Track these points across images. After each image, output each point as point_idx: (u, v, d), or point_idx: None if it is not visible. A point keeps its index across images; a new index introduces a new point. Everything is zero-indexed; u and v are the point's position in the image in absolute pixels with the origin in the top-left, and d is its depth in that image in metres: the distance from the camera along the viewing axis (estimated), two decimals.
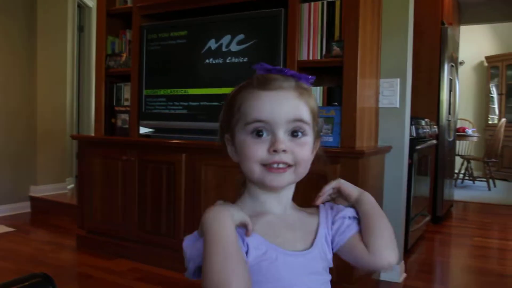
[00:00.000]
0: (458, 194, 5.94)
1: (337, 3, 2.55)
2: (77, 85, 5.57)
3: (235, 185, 1.01)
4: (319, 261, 0.92)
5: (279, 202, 0.94)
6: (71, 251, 3.34)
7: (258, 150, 0.87)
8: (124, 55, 3.30)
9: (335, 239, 0.95)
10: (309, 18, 2.60)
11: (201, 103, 2.91)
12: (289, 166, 0.88)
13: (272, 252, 0.86)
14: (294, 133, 0.88)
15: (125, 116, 3.30)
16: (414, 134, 3.26)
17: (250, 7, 2.77)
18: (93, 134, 3.56)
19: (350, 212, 0.97)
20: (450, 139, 4.85)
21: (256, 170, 0.88)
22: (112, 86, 3.41)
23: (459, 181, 7.19)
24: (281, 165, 0.87)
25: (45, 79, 4.74)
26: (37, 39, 4.65)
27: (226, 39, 2.81)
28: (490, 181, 6.84)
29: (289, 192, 0.96)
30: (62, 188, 4.98)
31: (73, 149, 5.10)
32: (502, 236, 4.32)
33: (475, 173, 7.44)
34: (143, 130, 3.18)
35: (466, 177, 7.30)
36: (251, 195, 0.94)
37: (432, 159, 4.28)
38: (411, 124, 3.11)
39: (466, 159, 7.16)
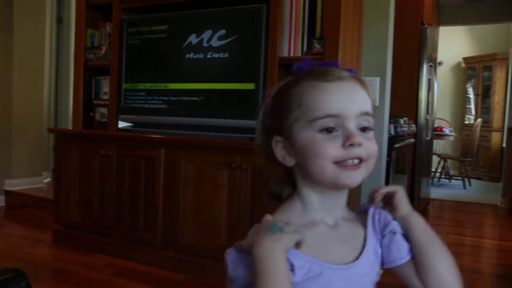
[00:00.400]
0: (435, 192, 6.03)
1: (319, 0, 2.55)
2: (55, 77, 5.47)
3: (269, 193, 0.93)
4: (365, 275, 0.86)
5: (333, 210, 0.86)
6: (47, 246, 3.30)
7: (331, 147, 0.78)
8: (104, 48, 3.26)
9: (383, 256, 0.88)
10: (290, 15, 2.61)
11: (181, 98, 2.89)
12: (361, 161, 0.80)
13: (316, 267, 0.80)
14: (363, 128, 0.81)
15: (103, 110, 3.26)
16: (392, 132, 3.29)
17: (232, 2, 2.76)
18: (71, 128, 3.51)
19: (398, 227, 0.88)
20: (428, 138, 4.92)
21: (329, 169, 0.79)
22: (91, 79, 3.36)
23: (435, 179, 7.30)
24: (355, 161, 0.79)
25: (22, 71, 4.65)
26: (14, 30, 4.56)
27: (207, 34, 2.80)
28: (466, 180, 6.96)
29: (345, 197, 0.88)
30: (38, 182, 4.90)
31: (50, 142, 5.02)
32: (476, 233, 4.41)
33: (451, 172, 7.56)
34: (121, 124, 3.15)
35: (443, 176, 7.42)
36: (304, 201, 0.85)
37: (409, 157, 4.33)
38: (390, 123, 3.15)
39: (443, 158, 7.27)
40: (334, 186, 0.82)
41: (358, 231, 0.88)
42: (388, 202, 0.89)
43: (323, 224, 0.85)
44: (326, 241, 0.83)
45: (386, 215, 0.89)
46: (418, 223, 0.87)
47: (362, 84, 0.83)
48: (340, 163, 0.79)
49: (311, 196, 0.84)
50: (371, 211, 0.89)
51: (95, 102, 3.32)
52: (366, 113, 0.81)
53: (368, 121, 0.82)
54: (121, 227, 3.05)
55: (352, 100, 0.80)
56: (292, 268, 0.77)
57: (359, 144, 0.78)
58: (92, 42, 3.35)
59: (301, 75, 0.83)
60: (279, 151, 0.85)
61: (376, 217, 0.89)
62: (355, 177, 0.80)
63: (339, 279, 0.81)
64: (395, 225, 0.87)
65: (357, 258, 0.84)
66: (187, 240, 2.80)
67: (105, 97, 3.29)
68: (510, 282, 2.94)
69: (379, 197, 0.88)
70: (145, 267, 2.88)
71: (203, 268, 2.75)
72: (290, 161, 0.84)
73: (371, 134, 0.82)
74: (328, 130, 0.78)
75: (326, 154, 0.78)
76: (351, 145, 0.78)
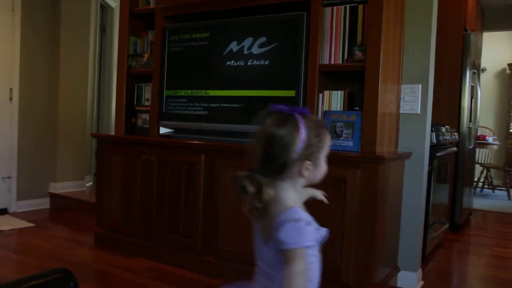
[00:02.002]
0: (477, 203, 5.86)
1: (360, 8, 2.54)
2: (98, 84, 5.63)
3: (241, 187, 1.31)
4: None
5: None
6: (89, 248, 3.38)
7: None
8: (146, 55, 3.33)
9: None
10: (331, 22, 2.60)
11: (222, 105, 2.92)
12: None
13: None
14: None
15: (145, 116, 3.33)
16: (434, 140, 3.23)
17: (272, 10, 2.77)
18: (113, 133, 3.60)
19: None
20: (470, 147, 4.79)
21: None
22: (133, 86, 3.44)
23: (478, 189, 7.10)
24: None
25: (67, 78, 4.81)
26: (60, 39, 4.71)
27: (248, 41, 2.82)
28: (510, 190, 6.74)
29: None
30: (81, 186, 5.04)
31: (93, 147, 5.16)
32: None
33: (495, 182, 7.34)
34: (163, 130, 3.21)
35: (486, 186, 7.21)
36: (297, 191, 1.30)
37: (451, 166, 4.23)
38: (431, 131, 3.09)
39: (486, 167, 7.06)
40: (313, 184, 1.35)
41: None
42: None
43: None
44: None
45: None
46: None
47: None
48: None
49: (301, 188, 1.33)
50: None
51: (137, 108, 3.39)
52: None
53: None
54: (161, 231, 3.09)
55: None
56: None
57: None
58: (134, 49, 3.43)
59: (317, 121, 1.31)
60: (305, 171, 1.25)
61: None
62: None
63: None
64: None
65: None
66: (226, 246, 2.82)
67: (146, 103, 3.35)
68: None
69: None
70: (184, 272, 2.92)
71: (241, 274, 2.76)
72: (311, 176, 1.29)
73: None
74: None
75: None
76: None
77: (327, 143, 1.29)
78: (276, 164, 1.22)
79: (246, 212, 1.30)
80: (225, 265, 2.82)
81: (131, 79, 3.45)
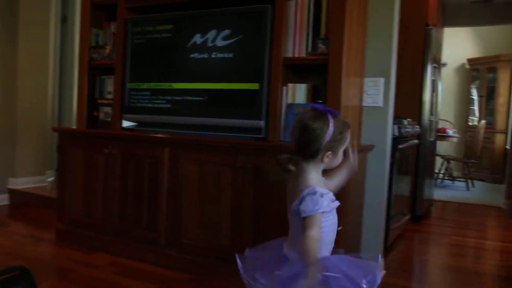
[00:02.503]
0: (438, 194, 6.02)
1: (324, 1, 2.55)
2: (59, 77, 5.48)
3: (284, 165, 1.65)
4: None
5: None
6: (50, 244, 3.30)
7: None
8: (108, 47, 3.27)
9: None
10: (295, 15, 2.61)
11: (185, 98, 2.89)
12: None
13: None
14: None
15: (107, 109, 3.27)
16: (396, 133, 3.29)
17: (237, 3, 2.76)
18: (74, 127, 3.52)
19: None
20: (431, 139, 4.91)
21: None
22: (95, 78, 3.37)
23: (439, 180, 7.29)
24: None
25: (26, 70, 4.67)
26: (19, 30, 4.57)
27: (212, 34, 2.80)
28: (469, 181, 6.95)
29: None
30: (41, 181, 4.92)
31: (54, 141, 5.03)
32: (479, 235, 4.39)
33: (455, 173, 7.55)
34: (126, 123, 3.16)
35: (446, 177, 7.41)
36: (318, 172, 1.67)
37: (413, 158, 4.33)
38: (393, 124, 3.14)
39: (446, 159, 7.25)
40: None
41: None
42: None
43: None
44: None
45: None
46: None
47: None
48: None
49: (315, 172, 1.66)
50: None
51: (99, 101, 3.33)
52: None
53: None
54: (125, 225, 3.05)
55: None
56: None
57: None
58: (96, 41, 3.36)
59: (344, 122, 1.67)
60: (326, 158, 1.63)
61: None
62: None
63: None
64: None
65: None
66: (190, 239, 2.80)
67: (109, 96, 3.29)
68: None
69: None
70: (148, 266, 2.89)
71: (206, 267, 2.75)
72: (330, 163, 1.66)
73: None
74: None
75: None
76: None
77: (348, 140, 1.66)
78: (307, 149, 1.60)
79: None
80: (189, 259, 2.80)
81: (93, 72, 3.37)
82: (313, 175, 1.63)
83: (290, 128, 1.71)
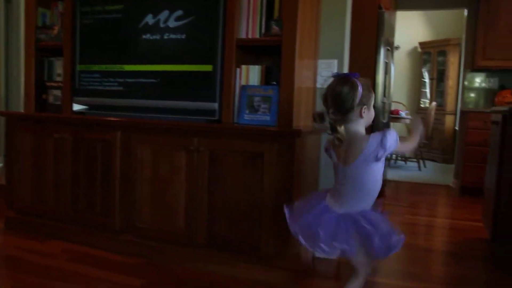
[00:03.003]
0: (391, 174, 6.18)
1: None
2: (5, 59, 5.27)
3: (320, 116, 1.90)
4: None
5: None
6: None
7: None
8: (56, 28, 3.15)
9: None
10: None
11: (138, 80, 2.83)
12: None
13: None
14: None
15: (57, 92, 3.16)
16: None
17: None
18: (22, 111, 3.39)
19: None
20: (385, 121, 5.01)
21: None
22: (43, 60, 3.25)
23: (392, 161, 7.48)
24: None
25: None
26: None
27: (164, 14, 2.74)
28: (421, 161, 7.16)
29: None
30: None
31: (1, 126, 4.84)
32: (430, 213, 4.55)
33: (407, 154, 7.76)
34: (76, 107, 3.07)
35: (399, 158, 7.61)
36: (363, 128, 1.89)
37: None
38: None
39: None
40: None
41: None
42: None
43: None
44: None
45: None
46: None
47: None
48: None
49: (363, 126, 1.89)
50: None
51: (48, 84, 3.21)
52: None
53: None
54: (77, 212, 2.98)
55: None
56: None
57: None
58: (43, 21, 3.23)
59: (366, 80, 1.87)
60: (363, 113, 1.83)
61: None
62: None
63: None
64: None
65: None
66: (145, 223, 2.77)
67: (58, 79, 3.18)
68: (461, 259, 3.06)
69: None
70: (103, 252, 2.84)
71: (161, 251, 2.73)
72: (364, 116, 1.84)
73: None
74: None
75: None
76: None
77: (373, 95, 1.89)
78: (344, 108, 1.81)
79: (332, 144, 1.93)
80: (144, 244, 2.77)
81: (41, 53, 3.24)
82: (361, 129, 1.87)
83: (323, 99, 1.89)
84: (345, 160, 1.88)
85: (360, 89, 1.80)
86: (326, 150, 1.99)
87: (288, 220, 1.95)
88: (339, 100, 1.80)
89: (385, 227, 1.84)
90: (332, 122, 1.85)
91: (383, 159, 1.83)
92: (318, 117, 1.88)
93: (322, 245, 1.79)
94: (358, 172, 1.85)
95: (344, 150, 1.88)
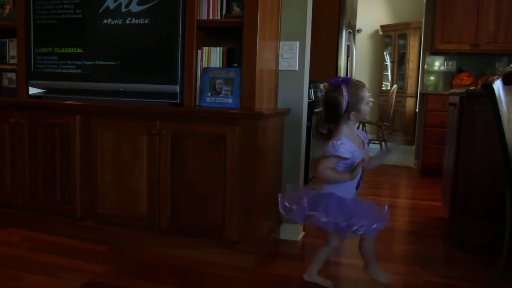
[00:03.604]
0: None
1: None
2: None
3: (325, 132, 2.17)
4: None
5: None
6: None
7: None
8: (8, 7, 3.02)
9: None
10: None
11: (97, 62, 2.76)
12: None
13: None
14: None
15: (11, 75, 3.05)
16: (312, 97, 3.36)
17: None
18: None
19: None
20: None
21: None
22: None
23: None
24: None
25: None
26: None
27: None
28: (383, 143, 7.29)
29: None
30: None
31: None
32: (391, 194, 4.66)
33: (370, 136, 7.87)
34: (32, 90, 2.97)
35: None
36: (350, 128, 2.10)
37: None
38: (309, 88, 3.20)
39: (361, 122, 7.54)
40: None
41: None
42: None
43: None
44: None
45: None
46: None
47: None
48: None
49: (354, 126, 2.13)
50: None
51: (1, 66, 3.09)
52: None
53: None
54: (37, 199, 2.91)
55: None
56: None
57: None
58: None
59: (356, 85, 2.06)
60: (351, 117, 2.04)
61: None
62: None
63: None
64: None
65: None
66: (107, 209, 2.73)
67: (12, 61, 3.06)
68: (421, 237, 3.14)
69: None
70: (65, 239, 2.79)
71: (124, 237, 2.70)
72: (353, 119, 2.05)
73: None
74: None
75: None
76: None
77: (365, 97, 2.05)
78: (334, 114, 2.05)
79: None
80: (106, 229, 2.73)
81: None
82: (344, 129, 2.07)
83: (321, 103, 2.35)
84: None
85: (345, 96, 2.01)
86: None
87: (279, 198, 2.15)
88: (328, 106, 2.08)
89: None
90: (325, 123, 2.17)
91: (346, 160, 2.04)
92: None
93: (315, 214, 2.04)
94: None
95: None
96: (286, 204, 2.10)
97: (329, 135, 2.11)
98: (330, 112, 2.07)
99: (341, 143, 1.99)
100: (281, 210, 2.11)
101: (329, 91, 2.07)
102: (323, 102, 2.12)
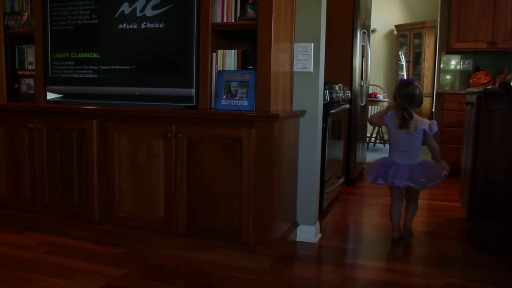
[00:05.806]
0: (370, 157, 6.21)
1: None
2: None
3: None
4: None
5: None
6: None
7: None
8: (26, 14, 3.06)
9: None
10: None
11: (113, 67, 2.78)
12: None
13: None
14: None
15: (30, 81, 3.09)
16: (327, 98, 3.34)
17: None
18: None
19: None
20: (362, 104, 5.04)
21: None
22: (13, 48, 3.16)
23: (371, 144, 7.54)
24: None
25: None
26: None
27: (140, 3, 2.68)
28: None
29: None
30: None
31: None
32: None
33: (386, 137, 7.83)
34: (50, 95, 3.00)
35: (378, 141, 7.67)
36: None
37: (345, 123, 4.43)
38: (324, 89, 3.18)
39: (377, 126, 7.48)
40: None
41: None
42: None
43: None
44: None
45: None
46: None
47: None
48: None
49: None
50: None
51: (19, 72, 3.13)
52: None
53: None
54: (54, 203, 2.94)
55: None
56: None
57: None
58: (12, 7, 3.13)
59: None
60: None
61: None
62: None
63: None
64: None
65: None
66: (124, 213, 2.74)
67: (30, 67, 3.11)
68: (439, 238, 3.11)
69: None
70: (83, 243, 2.81)
71: (141, 240, 2.71)
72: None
73: None
74: None
75: None
76: None
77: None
78: (417, 104, 2.90)
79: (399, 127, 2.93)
80: (124, 233, 2.75)
81: (11, 41, 3.16)
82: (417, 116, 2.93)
83: (398, 97, 2.91)
84: (407, 131, 2.91)
85: (419, 91, 2.87)
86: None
87: (367, 174, 3.14)
88: (418, 99, 2.88)
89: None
90: (408, 113, 2.88)
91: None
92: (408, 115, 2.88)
93: (396, 180, 2.95)
94: (414, 140, 2.94)
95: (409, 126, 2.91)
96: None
97: (406, 122, 2.87)
98: (420, 102, 2.91)
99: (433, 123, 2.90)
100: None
101: (412, 87, 2.86)
102: (410, 95, 2.85)
